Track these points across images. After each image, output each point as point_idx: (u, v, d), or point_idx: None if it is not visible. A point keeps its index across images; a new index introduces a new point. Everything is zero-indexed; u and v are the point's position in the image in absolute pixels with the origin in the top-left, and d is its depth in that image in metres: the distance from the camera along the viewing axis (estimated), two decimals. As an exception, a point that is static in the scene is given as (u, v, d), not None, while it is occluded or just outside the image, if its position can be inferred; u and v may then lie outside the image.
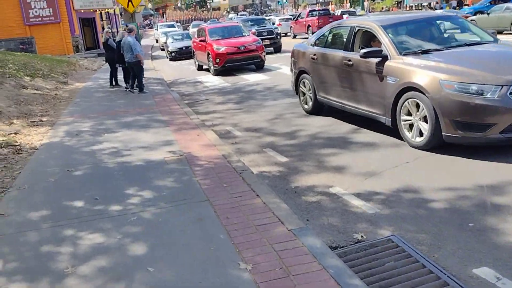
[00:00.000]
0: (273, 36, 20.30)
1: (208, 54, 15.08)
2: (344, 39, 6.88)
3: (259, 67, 15.10)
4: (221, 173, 4.99)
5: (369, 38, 6.48)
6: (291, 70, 8.51)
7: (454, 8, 39.96)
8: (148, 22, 70.24)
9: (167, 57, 23.15)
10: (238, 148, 6.45)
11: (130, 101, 10.89)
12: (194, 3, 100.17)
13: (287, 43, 23.02)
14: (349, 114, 6.94)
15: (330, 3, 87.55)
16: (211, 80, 14.21)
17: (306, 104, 8.01)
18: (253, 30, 19.38)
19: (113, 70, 13.33)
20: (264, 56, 15.10)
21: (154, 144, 6.51)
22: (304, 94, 8.02)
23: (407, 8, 44.85)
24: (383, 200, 4.20)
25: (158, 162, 5.62)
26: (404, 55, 5.77)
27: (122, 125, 8.06)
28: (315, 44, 7.70)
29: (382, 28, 6.19)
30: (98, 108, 10.10)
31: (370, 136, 6.27)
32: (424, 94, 5.21)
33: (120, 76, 12.89)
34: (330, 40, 7.44)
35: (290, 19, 40.83)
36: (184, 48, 21.84)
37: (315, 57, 7.44)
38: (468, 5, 45.36)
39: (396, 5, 63.72)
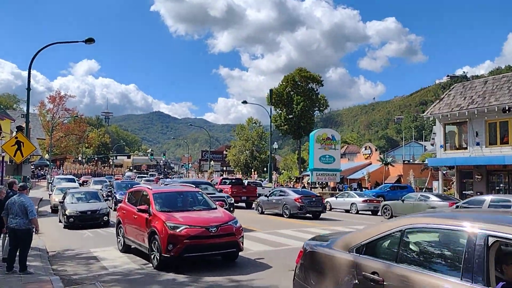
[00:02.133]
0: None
1: (153, 234, 9.50)
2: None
3: (230, 258, 10.09)
4: None
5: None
6: None
7: (355, 189, 42.07)
8: (42, 172, 64.85)
9: (62, 223, 17.46)
10: None
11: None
12: (96, 158, 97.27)
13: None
14: None
15: (233, 172, 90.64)
16: (112, 257, 10.88)
17: None
18: None
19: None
20: (243, 242, 10.00)
21: None
22: None
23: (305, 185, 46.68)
24: None
25: None
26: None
27: None
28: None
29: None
30: None
31: None
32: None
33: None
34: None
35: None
36: (88, 212, 16.98)
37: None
38: (367, 187, 48.58)
39: (295, 180, 67.11)
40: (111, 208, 22.21)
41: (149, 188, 11.14)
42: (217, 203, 11.26)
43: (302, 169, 77.43)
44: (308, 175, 65.63)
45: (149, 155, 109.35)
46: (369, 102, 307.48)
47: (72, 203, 17.73)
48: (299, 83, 72.27)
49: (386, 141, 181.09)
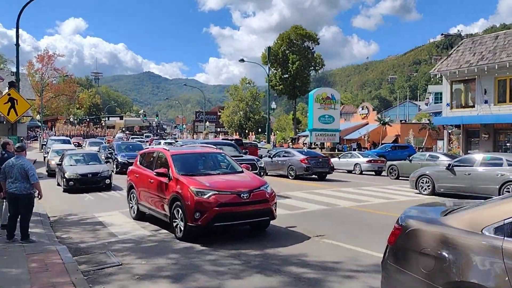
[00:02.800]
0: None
1: (175, 200, 8.38)
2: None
3: (261, 227, 9.10)
4: None
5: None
6: None
7: (354, 149, 41.57)
8: (34, 134, 63.47)
9: (61, 186, 16.47)
10: None
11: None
12: (88, 119, 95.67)
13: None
14: None
15: (227, 133, 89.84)
16: (119, 223, 10.15)
17: None
18: None
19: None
20: (275, 209, 8.83)
21: None
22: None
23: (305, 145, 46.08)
24: None
25: None
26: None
27: None
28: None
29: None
30: None
31: None
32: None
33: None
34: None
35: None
36: (89, 175, 15.98)
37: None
38: (366, 148, 48.17)
39: (290, 141, 66.59)
40: (112, 171, 21.36)
41: (165, 149, 9.90)
42: (242, 165, 10.03)
43: (297, 130, 76.89)
44: (304, 136, 65.26)
45: (141, 116, 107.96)
46: (362, 61, 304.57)
47: (71, 165, 16.69)
48: (294, 41, 70.42)
49: (380, 101, 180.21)
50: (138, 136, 75.44)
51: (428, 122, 53.68)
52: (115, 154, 23.29)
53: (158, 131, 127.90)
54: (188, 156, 9.78)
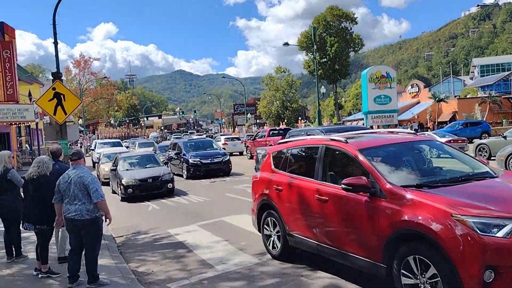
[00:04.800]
0: None
1: (410, 237, 4.35)
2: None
3: None
4: None
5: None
6: None
7: (416, 130, 38.24)
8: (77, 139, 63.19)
9: (117, 195, 14.51)
10: None
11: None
12: (127, 121, 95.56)
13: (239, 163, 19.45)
14: None
15: (265, 124, 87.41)
16: (205, 243, 7.78)
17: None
18: None
19: (14, 231, 6.91)
20: None
21: None
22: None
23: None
24: None
25: None
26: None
27: None
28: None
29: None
30: None
31: None
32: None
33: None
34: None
35: (238, 138, 37.38)
36: (149, 179, 13.85)
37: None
38: (429, 127, 44.55)
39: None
40: (181, 175, 19.15)
41: (341, 141, 5.58)
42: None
43: (340, 116, 73.58)
44: (350, 121, 61.97)
45: (179, 113, 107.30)
46: (395, 41, 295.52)
47: (127, 170, 14.58)
48: (331, 23, 67.09)
49: (417, 80, 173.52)
50: (178, 134, 74.40)
51: (488, 96, 49.34)
52: (183, 155, 19.56)
53: (195, 127, 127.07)
54: (393, 152, 5.67)
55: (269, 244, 6.67)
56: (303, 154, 6.52)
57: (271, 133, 29.86)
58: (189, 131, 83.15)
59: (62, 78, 10.58)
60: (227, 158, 19.31)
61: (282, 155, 6.75)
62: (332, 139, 5.77)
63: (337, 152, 5.66)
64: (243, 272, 6.07)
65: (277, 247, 6.46)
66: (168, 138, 61.45)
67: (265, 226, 6.76)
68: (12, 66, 22.50)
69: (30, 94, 29.61)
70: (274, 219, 6.50)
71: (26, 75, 35.20)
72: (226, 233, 8.36)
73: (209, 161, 18.71)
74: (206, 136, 30.97)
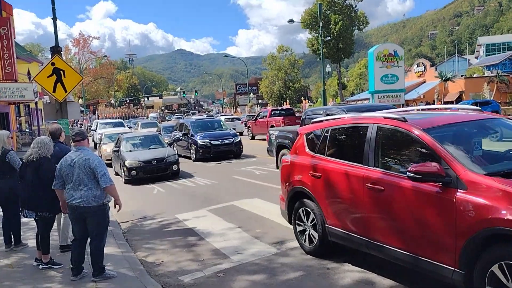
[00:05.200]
0: None
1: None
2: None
3: None
4: None
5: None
6: None
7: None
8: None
9: (120, 176, 13.96)
10: None
11: None
12: (128, 101, 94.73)
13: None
14: None
15: (267, 104, 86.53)
16: (217, 230, 7.25)
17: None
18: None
19: (13, 218, 6.41)
20: None
21: None
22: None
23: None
24: None
25: None
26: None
27: None
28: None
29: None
30: None
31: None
32: None
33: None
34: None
35: (238, 119, 36.83)
36: (154, 161, 13.30)
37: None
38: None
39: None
40: (190, 158, 18.40)
41: (401, 119, 4.63)
42: None
43: (343, 96, 72.62)
44: (354, 101, 61.10)
45: (180, 93, 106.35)
46: (398, 19, 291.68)
47: (130, 151, 13.96)
48: (335, 0, 65.64)
49: (423, 58, 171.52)
50: (179, 114, 73.69)
51: (495, 75, 48.39)
52: (191, 135, 18.46)
53: (196, 107, 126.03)
54: (465, 132, 4.81)
55: (303, 238, 5.85)
56: (347, 135, 5.66)
57: (273, 113, 29.25)
58: (190, 111, 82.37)
59: (61, 53, 9.93)
60: (238, 139, 18.32)
61: (319, 136, 5.85)
62: (385, 117, 4.88)
63: (394, 133, 4.74)
64: (261, 263, 5.56)
65: (314, 241, 5.62)
66: (168, 118, 60.75)
67: (298, 217, 5.95)
68: (10, 44, 21.76)
69: (29, 73, 28.90)
70: (309, 210, 5.67)
71: (25, 53, 34.40)
72: (238, 219, 7.85)
73: (219, 142, 17.74)
74: (207, 117, 30.29)
